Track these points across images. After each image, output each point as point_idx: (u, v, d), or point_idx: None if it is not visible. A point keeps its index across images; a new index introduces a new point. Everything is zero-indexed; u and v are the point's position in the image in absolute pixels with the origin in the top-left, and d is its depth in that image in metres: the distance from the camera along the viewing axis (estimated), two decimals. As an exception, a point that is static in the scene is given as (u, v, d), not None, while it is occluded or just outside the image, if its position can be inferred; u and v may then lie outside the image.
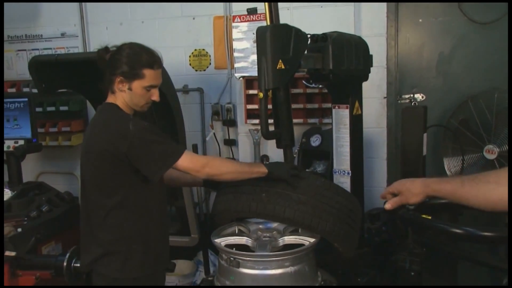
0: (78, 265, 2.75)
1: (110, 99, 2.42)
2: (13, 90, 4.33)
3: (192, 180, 2.72)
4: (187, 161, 2.28)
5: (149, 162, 2.28)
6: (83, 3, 4.34)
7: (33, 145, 3.86)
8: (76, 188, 4.36)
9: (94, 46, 4.34)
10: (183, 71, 4.22)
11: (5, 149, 3.80)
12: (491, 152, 3.63)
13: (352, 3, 3.89)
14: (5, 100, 3.89)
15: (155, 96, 2.42)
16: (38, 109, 4.17)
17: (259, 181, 2.39)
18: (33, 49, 4.46)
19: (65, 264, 2.72)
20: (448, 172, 3.80)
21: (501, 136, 3.64)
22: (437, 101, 3.95)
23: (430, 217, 2.73)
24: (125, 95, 2.37)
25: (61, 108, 4.26)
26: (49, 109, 4.24)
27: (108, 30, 4.36)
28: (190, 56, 4.30)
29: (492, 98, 3.70)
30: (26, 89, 4.29)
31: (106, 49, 2.38)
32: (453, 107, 3.92)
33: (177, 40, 4.25)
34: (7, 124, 3.84)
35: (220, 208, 2.54)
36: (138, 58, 2.34)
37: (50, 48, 4.41)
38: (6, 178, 3.79)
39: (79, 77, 3.66)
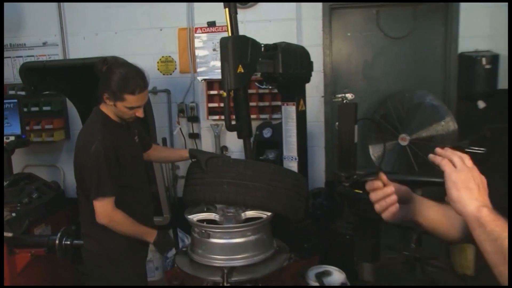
0: (68, 242, 2.67)
1: (102, 105, 2.30)
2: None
3: (179, 156, 2.67)
4: (99, 205, 2.20)
5: (87, 182, 2.20)
6: (62, 16, 4.19)
7: (22, 141, 3.71)
8: (58, 178, 4.26)
9: (72, 54, 4.22)
10: (152, 75, 4.09)
11: (-3, 144, 3.67)
12: (404, 139, 3.71)
13: (295, 19, 3.90)
14: (-3, 101, 3.74)
15: (139, 113, 2.28)
16: (24, 109, 3.99)
17: (223, 172, 2.34)
18: (17, 57, 4.27)
19: (57, 242, 2.62)
20: (372, 157, 3.86)
21: (410, 126, 3.72)
22: (363, 99, 3.97)
23: (361, 191, 2.80)
24: (112, 108, 2.25)
25: (44, 108, 4.11)
26: (33, 109, 4.08)
27: (85, 40, 4.20)
28: (158, 62, 4.20)
29: (404, 97, 3.80)
30: (11, 92, 4.10)
31: (104, 61, 2.30)
32: (376, 104, 4.01)
33: (146, 48, 4.14)
34: (-1, 122, 3.70)
35: (189, 198, 2.48)
36: (123, 84, 2.17)
37: (33, 56, 4.22)
38: None
39: (61, 81, 3.54)
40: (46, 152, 4.36)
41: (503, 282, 0.93)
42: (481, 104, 3.80)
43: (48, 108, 4.11)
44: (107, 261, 2.33)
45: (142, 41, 4.11)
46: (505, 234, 0.94)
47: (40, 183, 3.52)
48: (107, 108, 2.27)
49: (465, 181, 1.03)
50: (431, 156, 1.10)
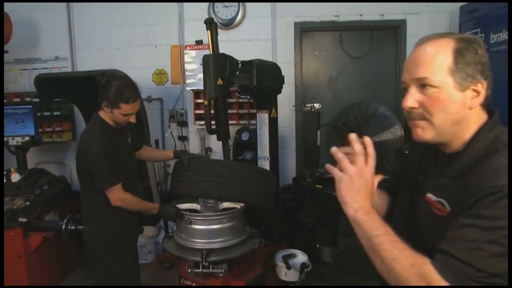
0: (73, 227, 2.73)
1: (101, 112, 2.34)
2: (18, 99, 4.14)
3: (165, 156, 2.74)
4: (110, 192, 2.26)
5: (95, 177, 2.23)
6: (72, 34, 4.21)
7: (35, 141, 3.72)
8: (66, 173, 4.26)
9: (80, 66, 4.21)
10: (148, 85, 4.13)
11: (14, 143, 3.65)
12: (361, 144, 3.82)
13: (271, 39, 3.93)
14: (15, 107, 3.76)
15: (132, 119, 2.33)
16: (37, 114, 4.00)
17: (203, 170, 2.39)
18: (33, 69, 4.26)
19: (63, 227, 2.68)
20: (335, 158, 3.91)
21: (367, 132, 3.74)
22: (328, 108, 4.02)
23: (321, 186, 2.89)
24: (109, 114, 2.29)
25: (55, 113, 4.11)
26: (45, 113, 4.09)
27: (91, 54, 4.21)
28: (153, 74, 4.22)
29: (361, 107, 3.85)
30: (27, 99, 4.10)
31: (103, 74, 2.31)
32: (339, 113, 4.04)
33: (143, 62, 4.15)
34: (17, 125, 3.70)
35: (175, 192, 2.52)
36: (119, 95, 2.22)
37: (46, 68, 4.21)
38: (14, 165, 3.63)
39: (69, 90, 3.58)
40: (56, 151, 4.36)
41: (380, 272, 0.98)
42: None
43: (58, 113, 4.12)
44: (103, 241, 2.35)
45: (140, 56, 4.13)
46: (375, 233, 0.97)
47: (50, 177, 3.56)
48: (105, 114, 2.31)
49: (349, 183, 1.01)
50: (333, 150, 1.06)
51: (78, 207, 3.44)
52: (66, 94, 3.66)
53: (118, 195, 2.28)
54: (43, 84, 3.34)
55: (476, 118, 1.05)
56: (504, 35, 2.73)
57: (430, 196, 1.09)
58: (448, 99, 1.01)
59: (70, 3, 4.16)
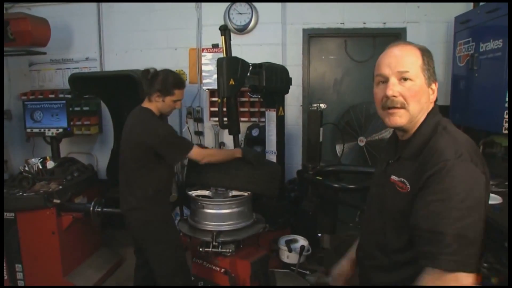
0: (100, 209, 2.88)
1: (146, 104, 2.41)
2: (53, 95, 4.28)
3: None
4: (194, 154, 2.37)
5: (170, 154, 2.34)
6: (101, 37, 4.33)
7: (67, 132, 3.87)
8: (92, 163, 4.38)
9: (107, 67, 4.33)
10: None
11: (50, 134, 3.82)
12: (362, 141, 3.86)
13: (281, 44, 3.99)
14: (51, 102, 3.93)
15: (178, 105, 2.47)
16: (69, 109, 4.14)
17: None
18: (66, 68, 4.40)
19: (91, 209, 2.83)
20: (338, 153, 3.96)
21: (367, 131, 3.85)
22: (333, 108, 4.07)
23: (321, 178, 2.99)
24: (158, 104, 2.39)
25: (84, 108, 4.23)
26: (76, 108, 4.21)
27: (117, 56, 4.32)
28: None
29: (363, 108, 3.90)
30: (61, 95, 4.25)
31: (147, 71, 2.40)
32: (342, 112, 4.08)
33: (164, 63, 3.98)
34: (52, 118, 3.87)
35: (190, 181, 2.68)
36: (173, 81, 2.37)
37: (78, 68, 4.35)
38: (49, 153, 3.78)
39: (99, 87, 3.73)
40: (85, 142, 4.48)
41: None
42: None
43: (87, 108, 4.23)
44: (157, 226, 2.43)
45: (161, 57, 4.21)
46: None
47: (79, 165, 3.68)
48: (151, 105, 2.41)
49: None
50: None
51: (104, 192, 3.65)
52: (96, 91, 3.81)
53: (201, 154, 2.41)
54: (76, 82, 3.50)
55: (427, 110, 1.23)
56: (491, 45, 2.80)
57: (393, 177, 1.23)
58: (421, 92, 1.18)
59: (100, 9, 4.30)
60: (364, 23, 4.01)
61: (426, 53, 1.20)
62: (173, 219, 2.58)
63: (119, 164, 2.49)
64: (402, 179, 1.18)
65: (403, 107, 1.18)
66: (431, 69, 1.20)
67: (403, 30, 3.95)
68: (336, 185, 2.77)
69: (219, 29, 2.77)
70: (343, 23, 4.03)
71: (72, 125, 4.15)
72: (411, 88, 1.17)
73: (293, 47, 4.10)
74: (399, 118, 1.19)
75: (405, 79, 1.17)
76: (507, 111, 2.60)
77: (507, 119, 2.60)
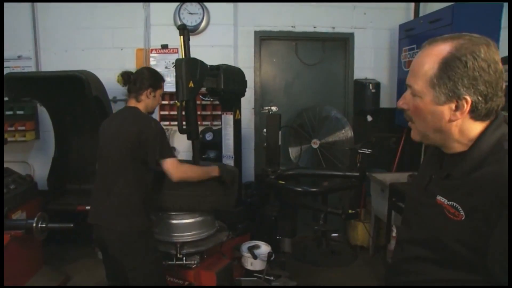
0: (44, 225, 2.58)
1: (133, 104, 2.29)
2: None
3: None
4: (170, 164, 2.17)
5: (154, 150, 2.14)
6: (36, 33, 3.91)
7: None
8: (29, 172, 3.97)
9: (44, 67, 3.95)
10: (113, 86, 3.89)
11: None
12: (315, 143, 3.90)
13: (232, 46, 3.94)
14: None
15: (160, 100, 2.46)
16: None
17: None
18: None
19: (34, 225, 2.52)
20: (291, 156, 3.97)
21: (320, 133, 3.90)
22: (284, 111, 3.99)
23: (283, 182, 2.96)
24: (148, 101, 2.30)
25: (18, 112, 3.81)
26: (8, 112, 3.77)
27: (56, 55, 3.96)
28: (118, 76, 4.01)
29: (315, 110, 3.95)
30: None
31: (128, 72, 2.34)
32: (294, 115, 4.11)
33: (109, 64, 3.95)
34: (-22, 124, 3.41)
35: None
36: (158, 76, 2.37)
37: (8, 67, 3.89)
38: None
39: (38, 89, 3.39)
40: (18, 150, 4.04)
41: None
42: (369, 118, 4.09)
43: (21, 112, 3.83)
44: (138, 235, 2.17)
45: (105, 58, 3.96)
46: None
47: (16, 176, 3.32)
48: (139, 104, 2.29)
49: None
50: None
51: (45, 205, 3.30)
52: (34, 94, 3.45)
53: (177, 166, 2.20)
54: (11, 82, 3.13)
55: (469, 127, 0.97)
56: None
57: (440, 198, 1.00)
58: (425, 110, 0.98)
59: (34, 2, 3.89)
60: (315, 27, 4.08)
61: (451, 60, 0.92)
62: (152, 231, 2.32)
63: (100, 171, 2.26)
64: (454, 204, 0.96)
65: (411, 121, 1.04)
66: (455, 82, 0.92)
67: (351, 35, 4.08)
68: (299, 189, 2.76)
69: (178, 28, 2.63)
70: (294, 27, 4.07)
71: (4, 131, 3.70)
72: (415, 103, 0.99)
73: (244, 49, 4.07)
74: (412, 132, 1.05)
75: (413, 91, 1.00)
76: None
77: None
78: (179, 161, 2.26)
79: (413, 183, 1.25)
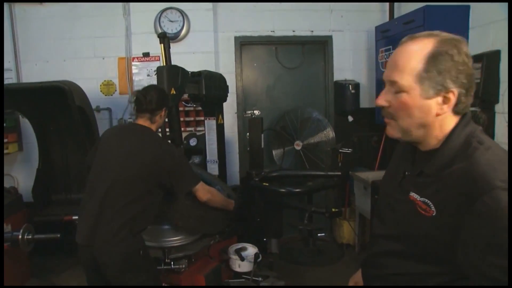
0: (30, 237, 2.56)
1: (146, 124, 2.16)
2: None
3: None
4: (201, 188, 2.19)
5: (181, 181, 2.12)
6: (16, 45, 3.88)
7: None
8: (13, 184, 3.89)
9: (25, 78, 3.91)
10: (96, 96, 3.93)
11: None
12: (298, 145, 3.96)
13: (213, 52, 3.97)
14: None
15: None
16: None
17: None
18: None
19: (20, 237, 2.51)
20: (275, 158, 4.02)
21: (302, 135, 3.96)
22: (267, 114, 4.08)
23: (268, 184, 3.01)
24: (160, 122, 2.23)
25: None
26: None
27: (37, 66, 3.93)
28: (101, 85, 4.04)
29: (297, 112, 4.01)
30: None
31: (137, 92, 2.19)
32: (277, 118, 4.17)
33: (91, 73, 3.96)
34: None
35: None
36: (166, 95, 2.30)
37: None
38: None
39: (21, 101, 3.38)
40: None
41: None
42: (350, 118, 4.17)
43: (3, 124, 3.71)
44: (139, 253, 2.05)
45: (87, 67, 3.95)
46: None
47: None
48: (152, 126, 2.19)
49: None
50: None
51: (30, 218, 3.26)
52: (16, 105, 3.43)
53: (206, 189, 2.23)
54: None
55: (448, 122, 1.00)
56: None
57: (413, 195, 1.02)
58: (412, 105, 0.97)
59: (13, 13, 3.85)
60: (294, 31, 4.14)
61: (438, 54, 0.94)
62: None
63: (95, 185, 2.06)
64: (426, 200, 0.98)
65: (393, 118, 1.03)
66: (443, 75, 0.94)
67: (330, 38, 4.16)
68: (283, 190, 2.81)
69: (158, 36, 2.66)
70: (273, 31, 4.13)
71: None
72: (399, 99, 0.99)
73: (225, 55, 4.11)
74: (391, 129, 1.04)
75: (396, 88, 0.99)
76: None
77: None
78: (204, 184, 2.25)
79: (385, 178, 1.25)
